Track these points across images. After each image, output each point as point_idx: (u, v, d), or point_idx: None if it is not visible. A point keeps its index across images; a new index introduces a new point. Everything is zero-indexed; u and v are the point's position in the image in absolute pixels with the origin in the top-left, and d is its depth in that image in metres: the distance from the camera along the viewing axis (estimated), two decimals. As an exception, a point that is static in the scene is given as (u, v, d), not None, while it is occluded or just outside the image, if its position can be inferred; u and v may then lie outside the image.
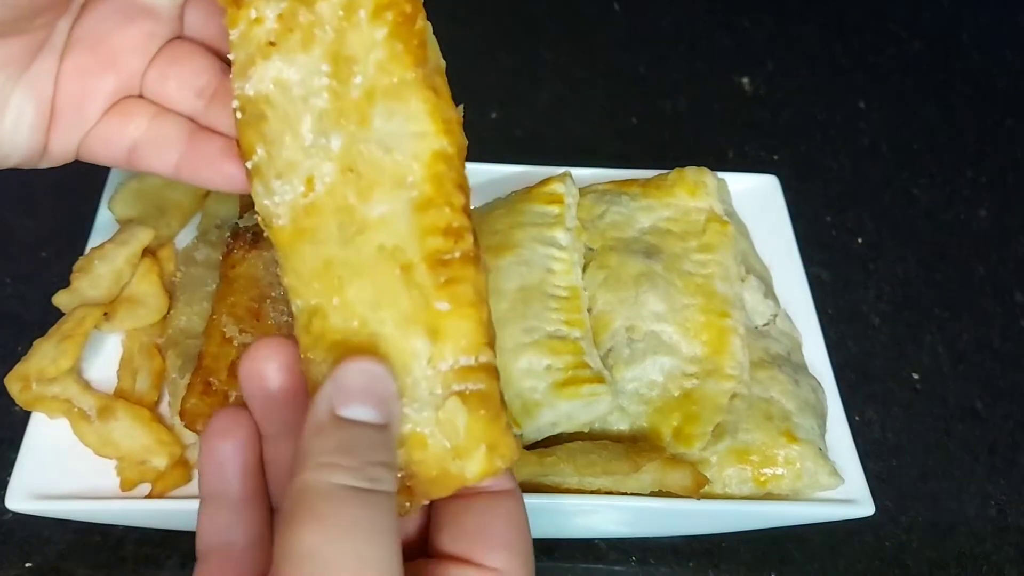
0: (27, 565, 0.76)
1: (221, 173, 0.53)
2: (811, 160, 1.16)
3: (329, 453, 0.42)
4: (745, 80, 1.27)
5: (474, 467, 0.47)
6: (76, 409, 0.73)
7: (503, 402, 0.48)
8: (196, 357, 0.73)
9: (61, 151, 0.54)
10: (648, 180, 0.86)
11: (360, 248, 0.47)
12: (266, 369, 0.49)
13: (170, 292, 0.80)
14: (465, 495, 0.49)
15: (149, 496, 0.72)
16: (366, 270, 0.47)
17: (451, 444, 0.47)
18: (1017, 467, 0.87)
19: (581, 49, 1.31)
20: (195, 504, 0.71)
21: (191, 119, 0.55)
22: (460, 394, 0.47)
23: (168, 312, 0.79)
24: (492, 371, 0.48)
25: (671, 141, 1.18)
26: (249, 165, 0.49)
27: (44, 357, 0.74)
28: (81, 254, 0.80)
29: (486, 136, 1.14)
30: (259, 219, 0.49)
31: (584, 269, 0.79)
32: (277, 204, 0.48)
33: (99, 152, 0.55)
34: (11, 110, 0.51)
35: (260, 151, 0.48)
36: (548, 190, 0.81)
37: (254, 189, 0.49)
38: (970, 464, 0.87)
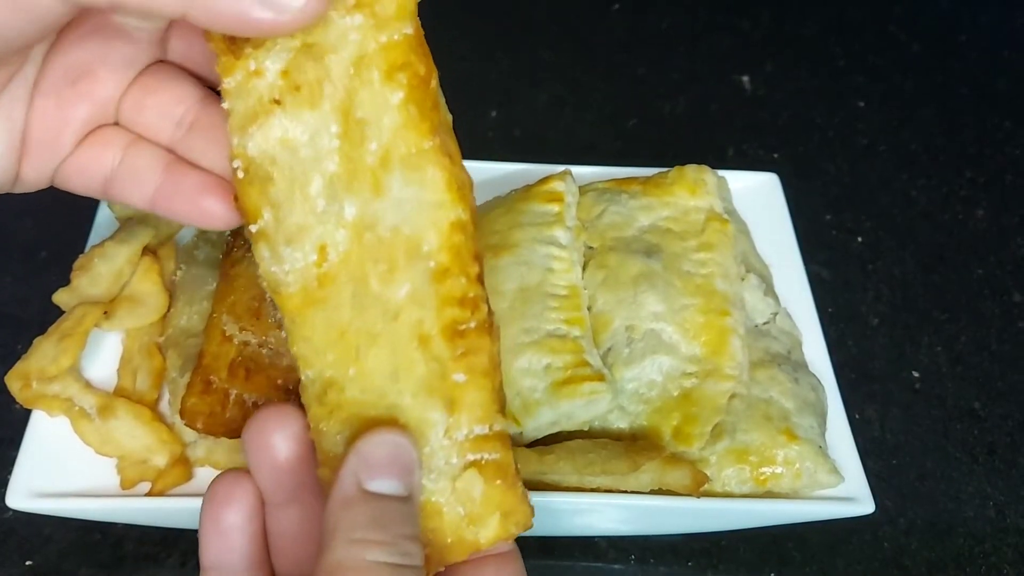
0: (28, 564, 0.76)
1: (198, 209, 0.51)
2: (810, 160, 1.16)
3: (361, 528, 0.43)
4: (745, 80, 1.27)
5: (488, 533, 0.48)
6: (76, 408, 0.73)
7: (517, 469, 0.49)
8: (196, 356, 0.73)
9: (34, 179, 0.52)
10: (648, 178, 0.86)
11: (377, 318, 0.47)
12: (274, 439, 0.49)
13: (170, 291, 0.80)
14: (477, 559, 0.50)
15: (149, 494, 0.72)
16: (384, 341, 0.47)
17: (466, 511, 0.48)
18: (1016, 468, 0.87)
19: (581, 49, 1.31)
20: (196, 502, 0.71)
21: (169, 149, 0.53)
22: (477, 464, 0.48)
23: (168, 311, 0.79)
24: (506, 439, 0.48)
25: (671, 141, 1.18)
26: (254, 228, 0.47)
27: (44, 356, 0.74)
28: (81, 252, 0.80)
29: (486, 135, 1.15)
30: (263, 283, 0.48)
31: (584, 268, 0.79)
32: (287, 272, 0.47)
33: (74, 181, 0.53)
34: None
35: (267, 215, 0.47)
36: (548, 188, 0.81)
37: (259, 253, 0.47)
38: (969, 464, 0.88)
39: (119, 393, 0.76)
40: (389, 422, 0.47)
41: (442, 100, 0.48)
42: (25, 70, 0.49)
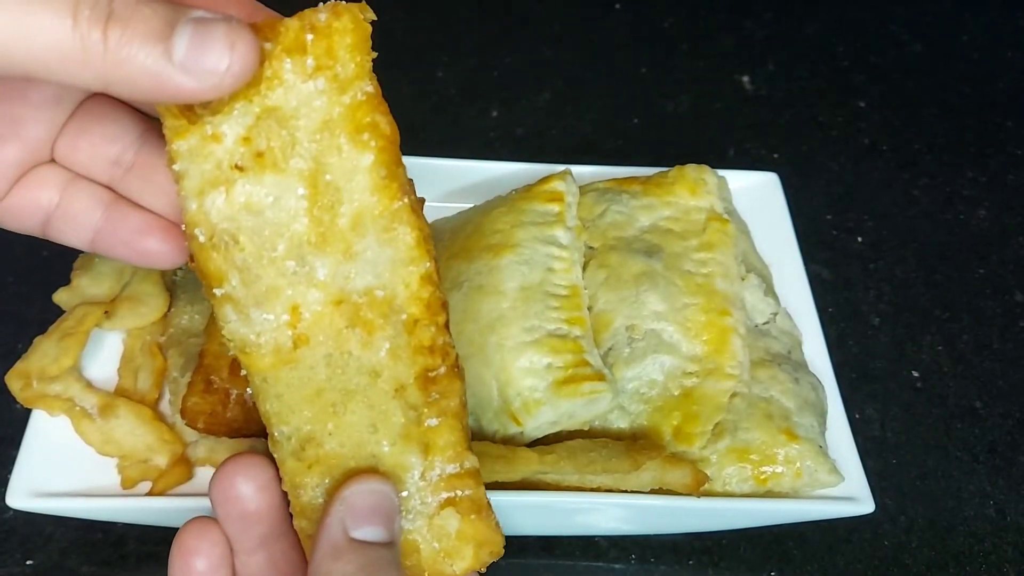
0: (28, 563, 0.76)
1: (139, 251, 0.50)
2: (812, 160, 1.16)
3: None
4: (746, 80, 1.27)
5: (463, 564, 0.51)
6: (77, 407, 0.73)
7: (489, 502, 0.51)
8: (197, 356, 0.73)
9: None
10: (649, 178, 0.86)
11: (354, 374, 0.48)
12: (242, 490, 0.49)
13: (171, 290, 0.80)
14: None
15: (150, 494, 0.72)
16: (361, 395, 0.49)
17: (441, 546, 0.50)
18: (1016, 467, 0.87)
19: (582, 48, 1.31)
20: (197, 502, 0.71)
21: (108, 187, 0.51)
22: (452, 501, 0.50)
23: (169, 311, 0.79)
24: (476, 475, 0.51)
25: (672, 141, 1.18)
26: (219, 292, 0.46)
27: (45, 355, 0.74)
28: (82, 252, 0.80)
29: (487, 134, 1.15)
30: (228, 343, 0.47)
31: (584, 268, 0.79)
32: (258, 334, 0.47)
33: (9, 223, 0.51)
34: None
35: (234, 280, 0.46)
36: (549, 188, 0.81)
37: (223, 315, 0.47)
38: (969, 463, 0.87)
39: (120, 393, 0.76)
40: (369, 471, 0.49)
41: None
42: None
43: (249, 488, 0.49)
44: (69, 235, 0.51)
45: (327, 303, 0.47)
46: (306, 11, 0.44)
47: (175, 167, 0.45)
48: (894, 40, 1.35)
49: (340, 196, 0.45)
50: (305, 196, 0.45)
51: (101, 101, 0.50)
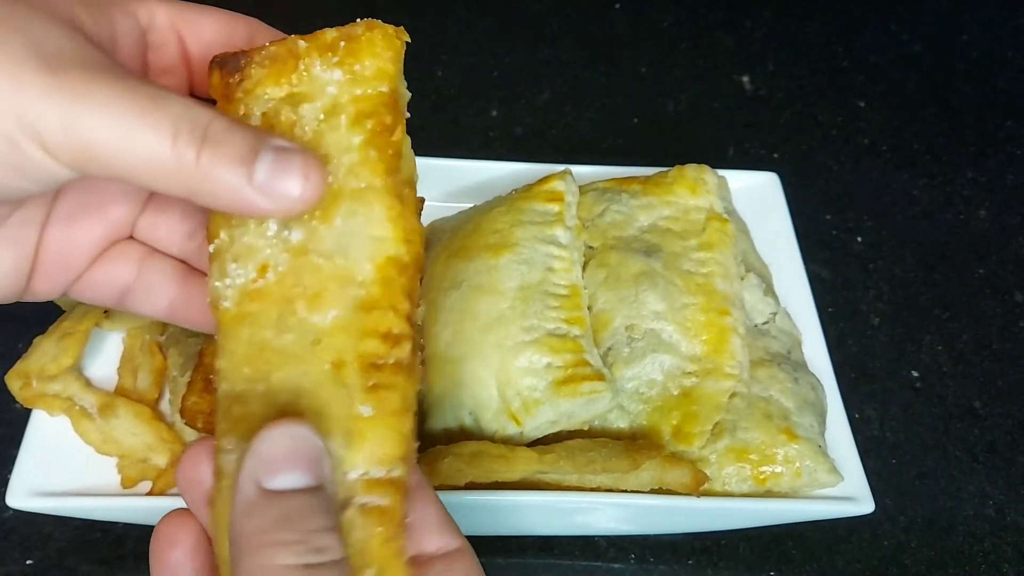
0: (28, 562, 0.76)
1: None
2: (811, 159, 1.16)
3: (266, 532, 0.40)
4: (746, 79, 1.27)
5: None
6: (77, 407, 0.73)
7: (404, 523, 0.45)
8: (197, 355, 0.73)
9: (45, 293, 0.53)
10: (648, 177, 0.86)
11: (296, 338, 0.46)
12: (204, 473, 0.47)
13: (171, 290, 0.80)
14: (420, 564, 0.48)
15: (150, 494, 0.72)
16: (297, 360, 0.46)
17: None
18: (1015, 466, 0.87)
19: (582, 47, 1.31)
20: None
21: (182, 260, 0.54)
22: (362, 507, 0.44)
23: (169, 310, 0.79)
24: (401, 487, 0.45)
25: (672, 140, 1.18)
26: (211, 248, 0.48)
27: (45, 355, 0.74)
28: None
29: (487, 134, 1.15)
30: (207, 299, 0.48)
31: (584, 267, 0.79)
32: (227, 287, 0.47)
33: (87, 295, 0.54)
34: None
35: (224, 235, 0.48)
36: (548, 188, 0.81)
37: (211, 272, 0.48)
38: (969, 463, 0.88)
39: (120, 392, 0.76)
40: (283, 416, 0.44)
41: (410, 155, 0.50)
42: (39, 196, 0.50)
43: (208, 470, 0.46)
44: (145, 306, 0.54)
45: (290, 264, 0.47)
46: (348, 25, 0.49)
47: None
48: (894, 40, 1.35)
49: (328, 168, 0.46)
50: None
51: None
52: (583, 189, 0.85)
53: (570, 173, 0.83)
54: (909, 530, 0.82)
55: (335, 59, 0.48)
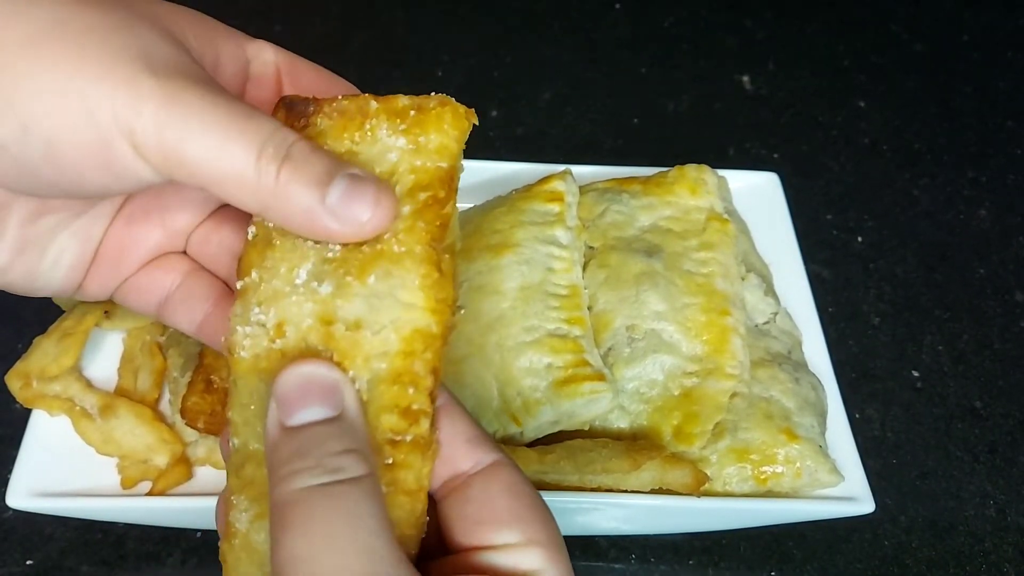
0: (28, 563, 0.76)
1: None
2: (812, 159, 1.16)
3: (286, 463, 0.42)
4: (746, 79, 1.27)
5: None
6: (77, 407, 0.73)
7: None
8: (197, 355, 0.73)
9: (95, 292, 0.54)
10: (649, 178, 0.86)
11: None
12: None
13: (171, 290, 0.80)
14: (459, 484, 0.48)
15: (150, 494, 0.72)
16: None
17: None
18: (1016, 467, 0.87)
19: (583, 47, 1.31)
20: (196, 502, 0.72)
21: (226, 282, 0.55)
22: None
23: (169, 310, 0.79)
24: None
25: (672, 140, 1.18)
26: (239, 285, 0.47)
27: (45, 355, 0.74)
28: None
29: (487, 134, 1.15)
30: (223, 341, 0.47)
31: (584, 268, 0.79)
32: (245, 335, 0.46)
33: (131, 299, 0.55)
34: (52, 250, 0.51)
35: (254, 275, 0.47)
36: (549, 188, 0.81)
37: (234, 310, 0.47)
38: (970, 463, 0.87)
39: (120, 392, 0.76)
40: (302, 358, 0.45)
41: (456, 227, 0.48)
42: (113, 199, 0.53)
43: None
44: (180, 318, 0.55)
45: (316, 322, 0.45)
46: (421, 96, 0.48)
47: None
48: (895, 40, 1.35)
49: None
50: None
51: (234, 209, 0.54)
52: (583, 189, 0.85)
53: (570, 173, 0.83)
54: (910, 530, 0.82)
55: (402, 126, 0.47)
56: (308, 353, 0.45)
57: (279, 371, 0.44)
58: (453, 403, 0.50)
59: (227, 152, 0.42)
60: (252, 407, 0.46)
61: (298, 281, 0.46)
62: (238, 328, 0.46)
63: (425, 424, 0.45)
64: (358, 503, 0.41)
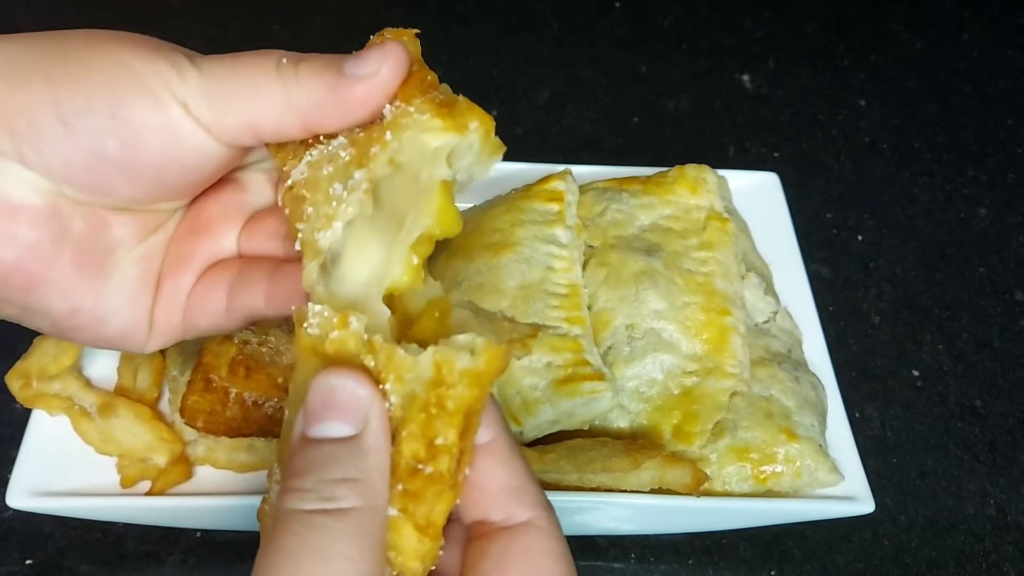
0: (28, 562, 0.76)
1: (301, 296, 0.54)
2: (812, 158, 1.16)
3: (292, 476, 0.42)
4: (746, 78, 1.27)
5: None
6: (77, 407, 0.73)
7: None
8: (196, 354, 0.73)
9: (164, 323, 0.56)
10: (649, 177, 0.86)
11: None
12: None
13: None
14: (486, 532, 0.47)
15: (149, 493, 0.72)
16: None
17: None
18: (1016, 466, 0.87)
19: (582, 47, 1.31)
20: (196, 501, 0.72)
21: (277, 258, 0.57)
22: None
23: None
24: None
25: (672, 139, 1.18)
26: (297, 245, 0.50)
27: (45, 355, 0.74)
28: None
29: (487, 134, 1.15)
30: (293, 310, 0.47)
31: (584, 267, 0.79)
32: (315, 314, 0.45)
33: (198, 312, 0.56)
34: (116, 275, 0.54)
35: (309, 209, 0.50)
36: (549, 187, 0.81)
37: (304, 263, 0.49)
38: (970, 462, 0.87)
39: (119, 392, 0.76)
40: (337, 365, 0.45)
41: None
42: (167, 225, 0.56)
43: None
44: (246, 300, 0.56)
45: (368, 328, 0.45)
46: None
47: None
48: (894, 38, 1.35)
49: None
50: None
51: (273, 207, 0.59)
52: (583, 189, 0.85)
53: (570, 173, 0.83)
54: (910, 529, 0.82)
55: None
56: (352, 358, 0.44)
57: (327, 366, 0.44)
58: (503, 443, 0.48)
59: (254, 78, 0.48)
60: (303, 389, 0.45)
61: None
62: (310, 305, 0.46)
63: (445, 462, 0.43)
64: (337, 540, 0.40)
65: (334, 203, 0.48)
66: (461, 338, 0.43)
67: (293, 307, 0.47)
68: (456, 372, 0.42)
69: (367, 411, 0.43)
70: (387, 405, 0.44)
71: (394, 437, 0.44)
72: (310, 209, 0.49)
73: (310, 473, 0.41)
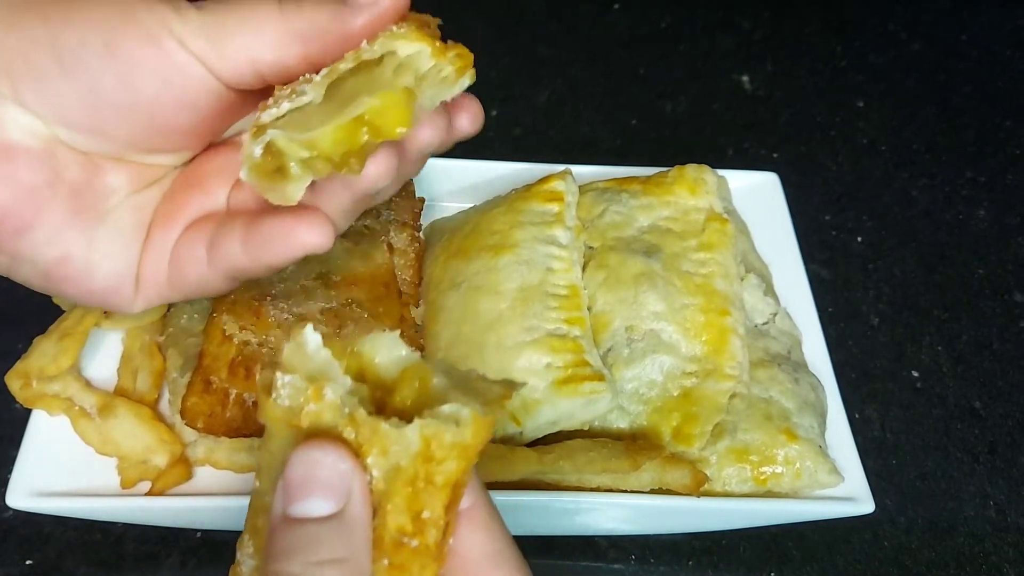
0: (27, 563, 0.76)
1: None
2: (811, 159, 1.16)
3: (276, 559, 0.40)
4: (745, 79, 1.27)
5: None
6: (76, 407, 0.73)
7: None
8: (196, 356, 0.73)
9: (151, 276, 0.56)
10: (648, 178, 0.86)
11: None
12: None
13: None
14: None
15: (149, 494, 0.72)
16: None
17: None
18: (1016, 467, 0.87)
19: (581, 48, 1.31)
20: (196, 502, 0.71)
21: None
22: None
23: (168, 310, 0.79)
24: None
25: (671, 140, 1.18)
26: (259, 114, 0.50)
27: (44, 355, 0.74)
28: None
29: (485, 134, 1.15)
30: (259, 379, 0.45)
31: (584, 268, 0.79)
32: (285, 384, 0.42)
33: (185, 271, 0.56)
34: (111, 219, 0.54)
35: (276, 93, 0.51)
36: (548, 188, 0.81)
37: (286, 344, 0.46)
38: (969, 464, 0.87)
39: (119, 392, 0.76)
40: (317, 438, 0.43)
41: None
42: (163, 180, 0.57)
43: None
44: (227, 246, 0.55)
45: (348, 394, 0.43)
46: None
47: None
48: (893, 39, 1.35)
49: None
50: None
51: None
52: (582, 189, 0.85)
53: (570, 173, 0.83)
54: (910, 531, 0.82)
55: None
56: (328, 429, 0.42)
57: (303, 440, 0.42)
58: (482, 508, 0.47)
59: (255, 11, 0.49)
60: (278, 459, 0.43)
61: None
62: (278, 375, 0.43)
63: (432, 535, 0.42)
64: None
65: (293, 95, 0.49)
66: (446, 409, 0.42)
67: (257, 374, 0.46)
68: (445, 446, 0.41)
69: (350, 485, 0.41)
70: (368, 478, 0.42)
71: (376, 510, 0.42)
72: (269, 101, 0.50)
73: (296, 555, 0.40)
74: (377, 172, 0.53)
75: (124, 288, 0.56)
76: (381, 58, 0.51)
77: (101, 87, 0.49)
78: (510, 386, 0.46)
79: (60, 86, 0.49)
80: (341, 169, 0.50)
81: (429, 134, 0.56)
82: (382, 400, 0.45)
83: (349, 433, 0.42)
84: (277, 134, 0.48)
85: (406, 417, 0.42)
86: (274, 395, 0.43)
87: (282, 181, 0.50)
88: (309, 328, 0.44)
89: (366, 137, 0.50)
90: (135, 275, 0.56)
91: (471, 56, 0.53)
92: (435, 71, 0.52)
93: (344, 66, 0.49)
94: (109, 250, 0.54)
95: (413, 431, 0.41)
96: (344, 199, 0.56)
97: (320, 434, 0.42)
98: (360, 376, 0.45)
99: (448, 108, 0.58)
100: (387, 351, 0.46)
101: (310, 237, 0.53)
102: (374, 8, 0.50)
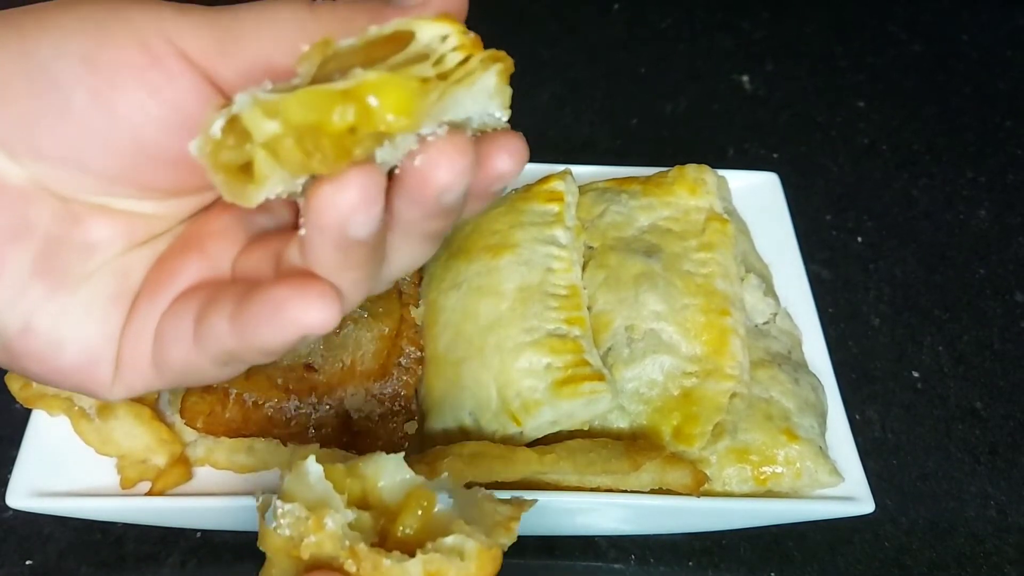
0: (27, 563, 0.76)
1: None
2: (811, 160, 1.16)
3: None
4: (745, 79, 1.27)
5: None
6: (76, 407, 0.73)
7: None
8: (196, 355, 0.73)
9: (132, 356, 0.46)
10: (648, 178, 0.86)
11: None
12: None
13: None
14: None
15: (149, 494, 0.72)
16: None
17: None
18: (1017, 467, 0.87)
19: (581, 48, 1.31)
20: (196, 502, 0.71)
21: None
22: None
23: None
24: None
25: (671, 141, 1.18)
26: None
27: (44, 355, 0.74)
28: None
29: (486, 135, 1.15)
30: (258, 506, 0.45)
31: (584, 268, 0.79)
32: (285, 512, 0.43)
33: (170, 350, 0.45)
34: (86, 286, 0.45)
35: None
36: (548, 188, 0.81)
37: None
38: (970, 464, 0.87)
39: (119, 392, 0.76)
40: None
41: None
42: (158, 242, 0.48)
43: None
44: (215, 320, 0.46)
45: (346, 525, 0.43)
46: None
47: None
48: (893, 40, 1.35)
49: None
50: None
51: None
52: (582, 189, 0.85)
53: (570, 173, 0.83)
54: (911, 531, 0.82)
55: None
56: (329, 560, 0.42)
57: (302, 569, 0.42)
58: None
59: (279, 11, 0.42)
60: None
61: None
62: (277, 503, 0.43)
63: None
64: None
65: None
66: (449, 541, 0.42)
67: (256, 502, 0.44)
68: None
69: None
70: None
71: None
72: None
73: None
74: (355, 197, 0.39)
75: (100, 370, 0.46)
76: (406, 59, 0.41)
77: (72, 103, 0.40)
78: (519, 506, 0.46)
79: (28, 106, 0.40)
80: (312, 159, 0.37)
81: (446, 166, 0.43)
82: (385, 528, 0.45)
83: (350, 566, 0.42)
84: (244, 101, 0.36)
85: (410, 547, 0.42)
86: (275, 524, 0.43)
87: (244, 180, 0.39)
88: (311, 459, 0.44)
89: (350, 117, 0.37)
90: (114, 355, 0.46)
91: (511, 61, 0.43)
92: (463, 73, 0.43)
93: (347, 43, 0.38)
94: (83, 322, 0.45)
95: (416, 566, 0.41)
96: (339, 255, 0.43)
97: (321, 566, 0.42)
98: (363, 500, 0.46)
99: (482, 144, 0.47)
100: (390, 475, 0.46)
101: (308, 314, 0.40)
102: (423, 9, 0.41)
